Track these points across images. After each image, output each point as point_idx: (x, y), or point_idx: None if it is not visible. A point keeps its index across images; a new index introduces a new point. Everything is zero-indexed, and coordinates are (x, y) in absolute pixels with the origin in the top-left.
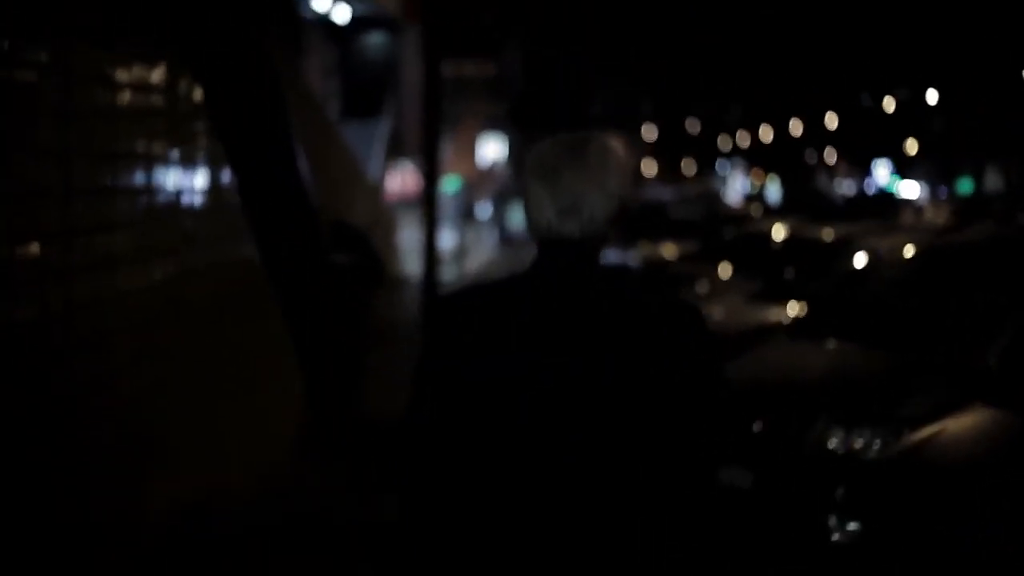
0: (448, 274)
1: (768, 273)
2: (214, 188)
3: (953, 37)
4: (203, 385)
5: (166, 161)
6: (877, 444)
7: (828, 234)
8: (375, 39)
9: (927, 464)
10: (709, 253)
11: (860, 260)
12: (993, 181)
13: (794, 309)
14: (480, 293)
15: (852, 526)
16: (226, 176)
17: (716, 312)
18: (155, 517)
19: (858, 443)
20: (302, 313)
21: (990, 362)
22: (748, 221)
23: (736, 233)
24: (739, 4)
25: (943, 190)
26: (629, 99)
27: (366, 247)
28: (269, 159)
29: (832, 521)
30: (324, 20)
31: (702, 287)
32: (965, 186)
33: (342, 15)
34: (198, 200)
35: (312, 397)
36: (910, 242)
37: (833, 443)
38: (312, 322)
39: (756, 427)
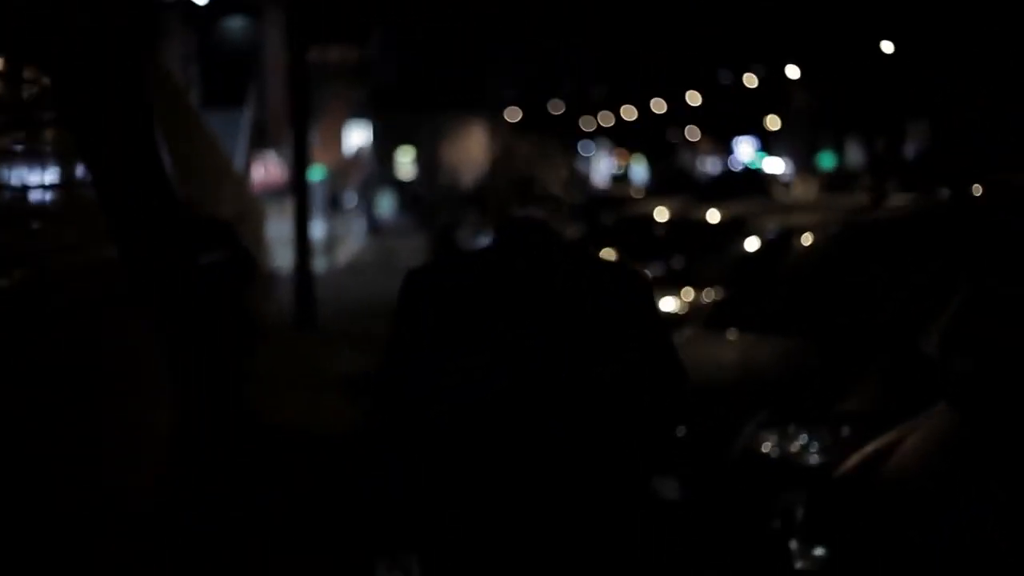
0: (319, 266)
1: (656, 258)
2: (67, 184)
3: (813, 11)
4: (64, 406)
5: (7, 156)
6: (815, 446)
7: (713, 215)
8: (236, 24)
9: (895, 479)
10: (591, 238)
11: (752, 243)
12: (854, 155)
13: (689, 296)
14: (448, 268)
15: (818, 551)
16: (81, 171)
17: None
18: None
19: (794, 446)
20: (169, 316)
21: (929, 350)
22: (627, 203)
23: (617, 216)
24: None
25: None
26: (492, 82)
27: (234, 242)
28: (127, 150)
29: (795, 546)
30: (182, 2)
31: None
32: (827, 160)
33: None
34: (49, 198)
35: (184, 406)
36: (804, 222)
37: (767, 447)
38: (180, 325)
39: (679, 431)
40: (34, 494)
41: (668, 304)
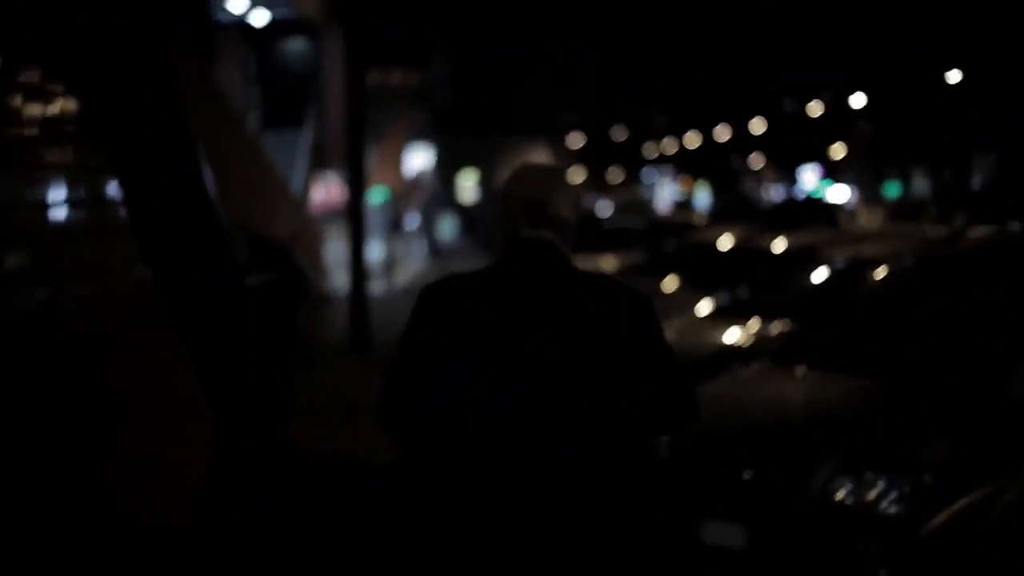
0: (377, 288)
1: (719, 287)
2: (96, 203)
3: (878, 41)
4: (96, 434)
5: (31, 171)
6: (895, 495)
7: (779, 244)
8: (296, 45)
9: (995, 542)
10: (651, 266)
11: (820, 274)
12: (920, 185)
13: (755, 327)
14: (462, 283)
15: None
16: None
17: (671, 333)
18: None
19: (872, 495)
20: (209, 342)
21: (1017, 391)
22: (690, 230)
23: (679, 243)
24: (664, 10)
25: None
26: (555, 108)
27: (288, 262)
28: (166, 171)
29: None
30: (241, 24)
31: None
32: (892, 189)
33: (260, 18)
34: (75, 217)
35: (224, 437)
36: (875, 253)
37: (842, 494)
38: (223, 352)
39: (746, 475)
40: (44, 499)
41: (732, 335)
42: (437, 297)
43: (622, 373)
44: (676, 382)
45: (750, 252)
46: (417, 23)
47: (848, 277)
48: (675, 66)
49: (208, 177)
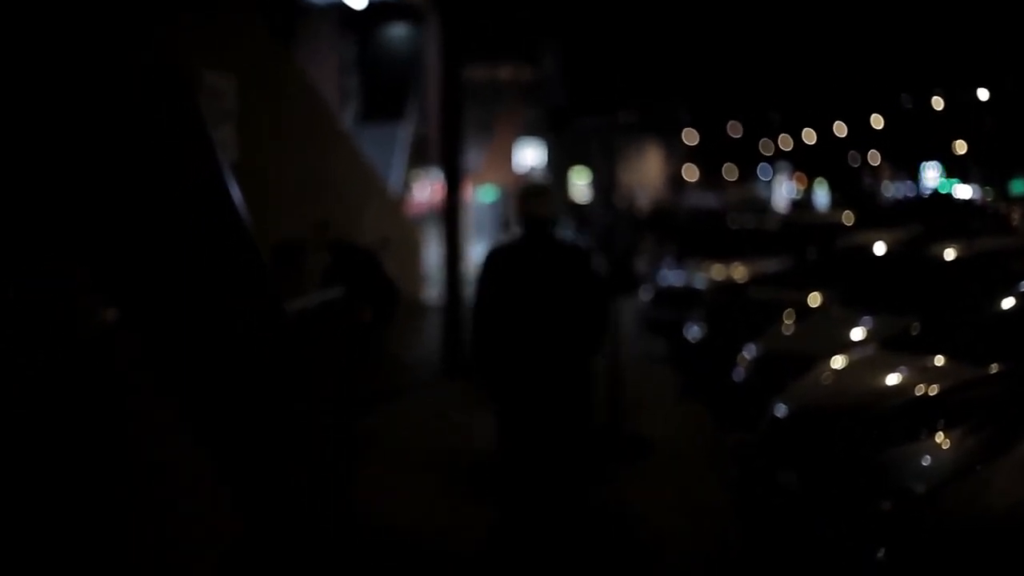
0: None
1: (878, 306)
2: None
3: (1003, 33)
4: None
5: None
6: None
7: (948, 252)
8: (398, 31)
9: None
10: (793, 277)
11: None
12: None
13: (942, 369)
14: (506, 247)
15: None
16: None
17: (838, 374)
18: None
19: None
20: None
21: None
22: (837, 232)
23: (823, 249)
24: (783, 7)
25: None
26: (670, 105)
27: (374, 272)
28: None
29: None
30: (337, 4)
31: (791, 328)
32: (1018, 186)
33: (358, 1)
34: None
35: (245, 515)
36: None
37: None
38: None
39: None
40: None
41: (913, 379)
42: (494, 258)
43: (576, 299)
44: (601, 312)
45: (915, 262)
46: (526, 15)
47: None
48: (792, 62)
49: (235, 193)
